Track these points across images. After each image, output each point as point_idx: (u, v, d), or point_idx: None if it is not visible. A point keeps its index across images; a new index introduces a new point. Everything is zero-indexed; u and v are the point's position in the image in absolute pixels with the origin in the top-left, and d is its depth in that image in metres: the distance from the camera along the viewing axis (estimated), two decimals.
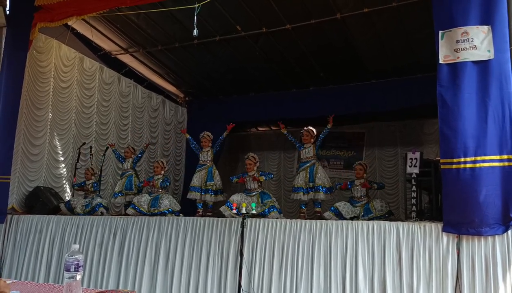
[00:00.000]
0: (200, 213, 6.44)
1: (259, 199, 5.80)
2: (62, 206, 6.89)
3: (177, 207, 6.26)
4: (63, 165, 7.67)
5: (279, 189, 11.20)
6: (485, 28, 4.09)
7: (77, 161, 7.51)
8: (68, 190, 7.67)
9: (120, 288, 5.19)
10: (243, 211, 4.87)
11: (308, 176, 6.13)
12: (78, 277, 2.06)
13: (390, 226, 4.31)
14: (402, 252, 4.17)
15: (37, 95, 7.19)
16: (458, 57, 4.15)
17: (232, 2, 6.88)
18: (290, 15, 7.15)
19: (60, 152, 7.65)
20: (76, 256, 2.06)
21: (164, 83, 10.33)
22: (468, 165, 3.95)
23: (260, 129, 12.31)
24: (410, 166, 5.16)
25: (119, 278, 5.35)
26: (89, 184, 6.97)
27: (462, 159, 3.97)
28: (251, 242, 4.80)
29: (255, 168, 6.10)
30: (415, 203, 5.11)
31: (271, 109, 9.92)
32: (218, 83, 9.99)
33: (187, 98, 11.16)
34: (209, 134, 6.78)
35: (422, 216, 5.25)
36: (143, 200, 6.21)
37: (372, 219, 5.45)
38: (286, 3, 6.80)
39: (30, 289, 2.39)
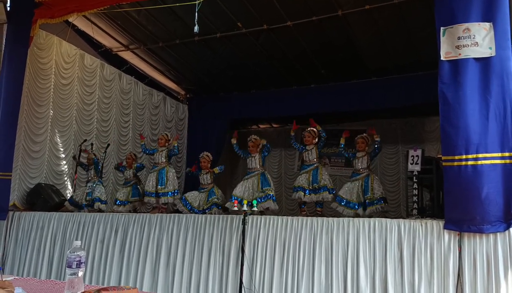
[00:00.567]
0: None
1: (259, 182, 5.87)
2: (66, 203, 6.92)
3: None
4: (64, 162, 7.68)
5: (280, 187, 11.18)
6: (487, 25, 4.08)
7: (78, 158, 7.52)
8: (69, 187, 7.68)
9: (122, 284, 5.20)
10: (245, 207, 4.88)
11: (311, 177, 5.97)
12: (80, 273, 2.07)
13: (392, 224, 4.30)
14: (403, 250, 4.17)
15: (38, 92, 7.18)
16: (460, 54, 4.13)
17: None
18: (291, 12, 7.13)
19: (61, 149, 7.66)
20: (78, 253, 2.07)
21: (165, 80, 10.31)
22: (469, 163, 3.94)
23: (261, 126, 12.30)
24: (411, 164, 5.16)
25: (121, 274, 5.36)
26: (91, 170, 7.02)
27: (464, 156, 3.96)
28: (253, 239, 4.80)
29: (258, 150, 6.13)
30: (416, 200, 5.11)
31: (272, 106, 9.91)
32: (219, 80, 9.97)
33: (188, 95, 11.15)
34: (209, 154, 6.62)
35: (424, 213, 5.25)
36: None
37: (370, 202, 5.60)
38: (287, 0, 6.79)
39: (33, 285, 2.40)
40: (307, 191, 5.86)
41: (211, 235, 5.03)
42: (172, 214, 5.52)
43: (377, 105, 9.09)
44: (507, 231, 3.84)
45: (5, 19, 6.42)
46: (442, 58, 4.21)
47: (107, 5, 6.38)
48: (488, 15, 4.10)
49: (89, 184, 6.95)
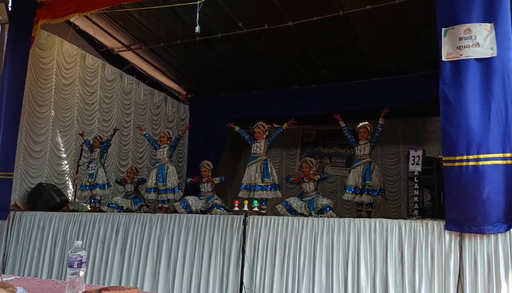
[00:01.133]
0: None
1: (262, 170, 5.94)
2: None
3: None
4: (65, 162, 7.69)
5: (281, 186, 11.16)
6: (488, 25, 4.07)
7: (80, 158, 7.52)
8: (70, 186, 7.69)
9: (123, 284, 5.20)
10: (245, 208, 4.89)
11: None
12: (81, 273, 2.07)
13: (392, 224, 4.30)
14: (404, 250, 4.17)
15: (39, 92, 7.19)
16: (461, 55, 4.12)
17: None
18: (292, 12, 7.14)
19: (63, 149, 7.67)
20: (79, 253, 2.08)
21: (166, 80, 10.32)
22: (470, 163, 3.93)
23: None
24: (412, 164, 5.16)
25: (122, 274, 5.37)
26: (96, 151, 7.04)
27: (465, 157, 3.96)
28: (253, 239, 4.80)
29: (264, 136, 6.16)
30: (417, 201, 5.11)
31: (273, 106, 9.91)
32: (220, 80, 9.98)
33: (189, 95, 11.15)
34: (209, 163, 6.61)
35: (424, 214, 5.25)
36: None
37: (368, 190, 5.72)
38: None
39: (34, 285, 2.40)
40: (293, 213, 5.70)
41: (211, 236, 5.03)
42: (173, 215, 5.52)
43: (378, 105, 9.04)
44: (508, 232, 3.84)
45: (7, 19, 6.43)
46: (443, 59, 4.20)
47: (109, 5, 6.39)
48: (490, 15, 4.09)
49: (91, 165, 6.99)
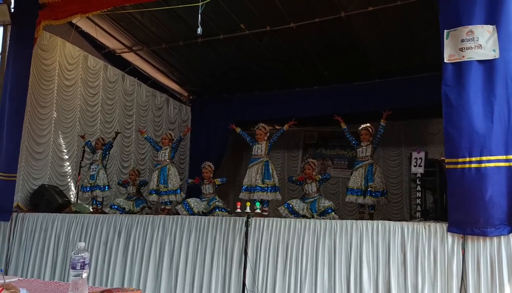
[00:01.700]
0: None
1: (263, 172, 5.95)
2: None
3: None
4: (67, 163, 7.70)
5: (282, 189, 11.17)
6: (490, 27, 4.07)
7: (82, 160, 7.53)
8: (73, 188, 7.70)
9: (125, 286, 5.20)
10: (247, 210, 4.89)
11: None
12: (84, 275, 2.07)
13: (395, 226, 4.30)
14: (406, 252, 4.16)
15: (41, 93, 7.20)
16: (463, 56, 4.12)
17: (236, 0, 6.87)
18: (294, 14, 7.14)
19: (65, 150, 7.68)
20: (82, 254, 2.07)
21: (168, 82, 10.33)
22: (473, 165, 3.92)
23: None
24: (414, 166, 5.15)
25: (124, 276, 5.36)
26: (98, 153, 7.05)
27: (467, 159, 3.95)
28: (256, 241, 4.80)
29: (265, 138, 6.18)
30: (419, 203, 5.10)
31: (275, 108, 9.91)
32: (222, 81, 9.99)
33: (191, 97, 11.16)
34: (211, 164, 6.58)
35: (427, 216, 5.25)
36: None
37: (371, 192, 5.77)
38: (290, 1, 6.79)
39: (37, 286, 2.40)
40: (294, 214, 5.71)
41: (214, 237, 5.03)
42: (175, 216, 5.52)
43: (380, 107, 9.05)
44: (510, 234, 3.83)
45: (9, 20, 6.44)
46: (445, 61, 4.20)
47: (111, 6, 6.40)
48: (492, 17, 4.09)
49: (92, 166, 7.00)
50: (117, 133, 7.60)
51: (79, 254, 2.07)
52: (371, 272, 4.26)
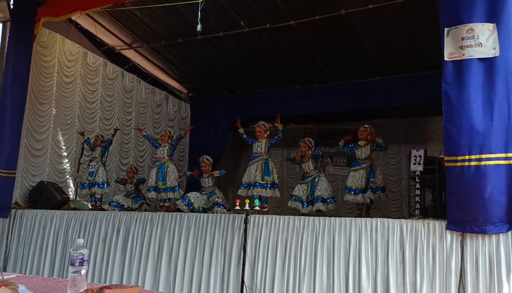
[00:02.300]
0: None
1: (263, 168, 6.00)
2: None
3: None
4: (66, 160, 7.69)
5: (281, 186, 11.17)
6: (490, 25, 4.06)
7: (81, 156, 7.52)
8: (71, 185, 7.69)
9: (124, 283, 5.20)
10: (247, 207, 4.89)
11: (309, 189, 6.03)
12: (83, 271, 2.07)
13: (394, 224, 4.30)
14: (405, 250, 4.16)
15: (41, 90, 7.19)
16: (463, 54, 4.11)
17: None
18: (294, 11, 7.12)
19: (64, 147, 7.67)
20: (80, 251, 2.07)
21: (168, 79, 10.32)
22: (472, 163, 3.92)
23: None
24: (414, 164, 5.15)
25: (123, 273, 5.37)
26: (97, 150, 7.06)
27: (467, 157, 3.95)
28: (254, 238, 4.80)
29: (265, 135, 6.22)
30: (418, 200, 5.10)
31: (275, 106, 9.89)
32: (222, 79, 9.97)
33: (190, 94, 11.15)
34: (209, 158, 6.62)
35: (426, 213, 5.24)
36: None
37: (372, 189, 5.86)
38: None
39: (36, 283, 2.40)
40: (304, 203, 5.93)
41: (213, 234, 5.03)
42: (174, 213, 5.52)
43: (379, 105, 9.08)
44: (509, 232, 3.83)
45: (9, 17, 6.43)
46: (446, 59, 4.19)
47: (110, 3, 6.39)
48: (492, 15, 4.08)
49: (92, 163, 7.00)
50: (116, 130, 7.58)
51: (78, 251, 2.07)
52: (369, 270, 4.27)
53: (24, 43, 6.35)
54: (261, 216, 4.94)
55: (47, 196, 6.82)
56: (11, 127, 6.11)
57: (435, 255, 4.06)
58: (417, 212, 5.02)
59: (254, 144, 6.24)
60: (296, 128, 11.15)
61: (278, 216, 4.89)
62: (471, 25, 4.11)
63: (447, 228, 4.05)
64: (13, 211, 6.25)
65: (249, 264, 4.71)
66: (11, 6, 6.46)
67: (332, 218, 4.63)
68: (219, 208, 6.03)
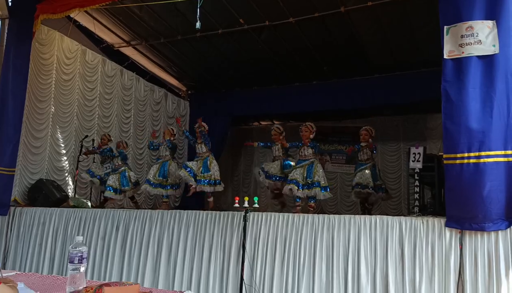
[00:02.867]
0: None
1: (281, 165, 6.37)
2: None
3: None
4: (65, 158, 7.68)
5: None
6: (490, 23, 4.06)
7: (80, 154, 7.52)
8: (70, 183, 7.69)
9: (123, 280, 5.20)
10: (246, 204, 4.89)
11: (305, 172, 6.09)
12: (82, 269, 2.07)
13: (393, 221, 4.30)
14: (404, 247, 4.16)
15: (39, 88, 7.17)
16: (463, 52, 4.11)
17: None
18: (293, 8, 7.11)
19: (62, 145, 7.66)
20: (79, 248, 2.07)
21: (167, 76, 10.31)
22: (472, 160, 3.92)
23: (263, 123, 12.30)
24: (413, 161, 5.16)
25: (122, 270, 5.37)
26: (104, 149, 7.18)
27: (466, 154, 3.95)
28: (254, 235, 4.80)
29: (281, 137, 6.57)
30: (418, 198, 5.11)
31: (273, 103, 9.91)
32: (221, 76, 9.96)
33: (189, 92, 11.14)
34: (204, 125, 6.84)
35: (425, 211, 5.26)
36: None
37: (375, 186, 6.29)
38: None
39: (35, 280, 2.40)
40: (300, 186, 5.97)
41: (212, 232, 5.03)
42: (173, 211, 5.52)
43: (379, 102, 9.08)
44: (508, 229, 3.84)
45: (7, 14, 6.41)
46: (445, 57, 4.19)
47: (109, 0, 6.35)
48: (492, 13, 4.07)
49: (105, 165, 7.25)
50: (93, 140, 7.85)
51: (77, 248, 2.07)
52: (369, 267, 4.27)
53: (23, 40, 6.33)
54: (260, 213, 4.93)
55: (46, 194, 6.81)
56: (11, 125, 6.11)
57: (434, 252, 4.06)
58: (416, 209, 5.03)
59: (273, 148, 6.67)
60: (296, 126, 11.14)
61: (277, 214, 4.89)
62: (470, 22, 4.11)
63: (446, 225, 4.05)
64: (12, 208, 6.25)
65: (248, 261, 4.72)
66: (9, 3, 6.44)
67: (331, 216, 4.63)
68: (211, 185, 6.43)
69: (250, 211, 4.86)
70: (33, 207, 6.32)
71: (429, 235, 4.12)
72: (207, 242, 5.02)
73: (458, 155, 3.99)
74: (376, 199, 6.78)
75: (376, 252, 4.27)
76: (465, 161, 3.94)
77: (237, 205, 5.24)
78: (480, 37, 4.06)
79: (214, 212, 5.28)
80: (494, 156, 3.86)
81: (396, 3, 6.56)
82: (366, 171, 6.39)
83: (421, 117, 10.05)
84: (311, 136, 6.22)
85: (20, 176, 6.85)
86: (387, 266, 4.19)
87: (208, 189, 6.49)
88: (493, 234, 3.88)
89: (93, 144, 7.76)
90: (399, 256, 4.19)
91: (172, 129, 7.21)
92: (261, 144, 7.02)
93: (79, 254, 2.06)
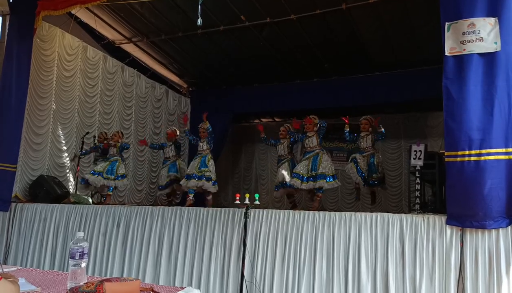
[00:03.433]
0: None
1: (289, 166, 6.41)
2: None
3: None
4: (66, 154, 7.69)
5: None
6: (492, 20, 4.04)
7: (81, 151, 7.53)
8: (71, 179, 7.70)
9: (124, 276, 5.21)
10: (247, 201, 4.89)
11: (310, 164, 6.07)
12: (83, 264, 2.07)
13: (394, 218, 4.30)
14: (405, 244, 4.17)
15: (40, 84, 7.18)
16: (464, 49, 4.10)
17: None
18: (295, 5, 7.09)
19: (63, 142, 7.67)
20: (80, 244, 2.08)
21: (168, 73, 10.30)
22: (472, 158, 3.92)
23: (264, 120, 12.28)
24: (414, 159, 5.15)
25: (123, 266, 5.38)
26: (113, 144, 7.15)
27: (467, 152, 3.95)
28: (254, 232, 4.81)
29: (287, 136, 6.63)
30: (418, 195, 5.11)
31: (274, 100, 9.90)
32: (222, 73, 9.95)
33: (190, 89, 11.14)
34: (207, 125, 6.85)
35: (426, 208, 5.25)
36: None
37: (373, 181, 6.33)
38: None
39: (36, 276, 2.40)
40: (304, 179, 5.95)
41: (213, 228, 5.04)
42: (174, 207, 5.53)
43: (380, 100, 9.07)
44: (509, 227, 3.84)
45: (8, 10, 6.40)
46: (446, 54, 4.18)
47: None
48: (494, 10, 4.06)
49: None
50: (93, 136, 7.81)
51: (78, 244, 2.07)
52: (369, 264, 4.28)
53: (24, 37, 6.33)
54: (261, 210, 4.94)
55: (47, 190, 6.83)
56: (13, 121, 6.12)
57: (434, 250, 4.06)
58: (417, 207, 5.03)
59: (278, 146, 6.71)
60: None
61: (278, 210, 4.89)
62: (472, 19, 4.09)
63: (447, 223, 4.05)
64: (13, 204, 6.26)
65: (249, 258, 4.73)
66: (10, 0, 6.44)
67: (332, 213, 4.63)
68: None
69: (251, 208, 4.86)
70: (34, 203, 6.33)
71: (429, 232, 4.12)
72: (208, 238, 5.03)
73: (459, 153, 3.98)
74: (358, 193, 7.01)
75: (377, 249, 4.28)
76: (466, 158, 3.94)
77: (238, 202, 5.24)
78: (482, 34, 4.04)
79: (215, 209, 5.29)
80: (495, 154, 3.85)
81: (397, 1, 6.56)
82: (365, 158, 6.40)
83: (422, 115, 10.04)
84: (315, 128, 6.23)
85: (21, 172, 6.87)
86: (388, 263, 4.19)
87: (207, 185, 6.52)
88: (493, 231, 3.88)
89: (94, 140, 7.76)
90: (400, 254, 4.19)
91: (174, 129, 7.37)
92: (270, 140, 6.95)
93: (80, 250, 2.06)
